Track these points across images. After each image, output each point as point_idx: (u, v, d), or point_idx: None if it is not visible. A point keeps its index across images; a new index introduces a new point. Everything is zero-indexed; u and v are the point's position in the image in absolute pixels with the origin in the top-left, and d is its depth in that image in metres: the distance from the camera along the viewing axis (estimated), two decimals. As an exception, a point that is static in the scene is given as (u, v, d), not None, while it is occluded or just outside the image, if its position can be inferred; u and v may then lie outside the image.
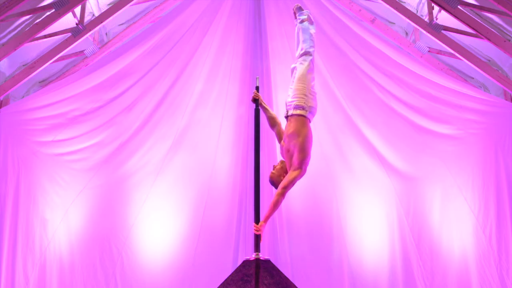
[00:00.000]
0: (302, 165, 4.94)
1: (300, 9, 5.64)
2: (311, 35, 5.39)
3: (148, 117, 7.55)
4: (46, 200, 7.16)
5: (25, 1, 6.41)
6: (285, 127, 5.12)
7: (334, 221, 7.53)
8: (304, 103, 5.03)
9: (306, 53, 5.28)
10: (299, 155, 4.92)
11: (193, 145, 7.67)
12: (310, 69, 5.21)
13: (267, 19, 7.57)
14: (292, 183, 4.91)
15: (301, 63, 5.25)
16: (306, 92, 5.09)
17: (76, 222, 7.27)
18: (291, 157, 4.98)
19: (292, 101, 5.10)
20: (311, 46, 5.32)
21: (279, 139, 5.28)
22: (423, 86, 7.29)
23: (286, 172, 5.04)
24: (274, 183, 5.13)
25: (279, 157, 7.26)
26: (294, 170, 4.92)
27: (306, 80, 5.14)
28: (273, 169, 5.14)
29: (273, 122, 5.33)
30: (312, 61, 5.27)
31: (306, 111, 5.03)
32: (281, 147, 5.15)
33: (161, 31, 7.35)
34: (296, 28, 5.51)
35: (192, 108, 7.67)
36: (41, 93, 7.22)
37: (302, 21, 5.47)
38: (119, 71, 7.37)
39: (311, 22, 5.48)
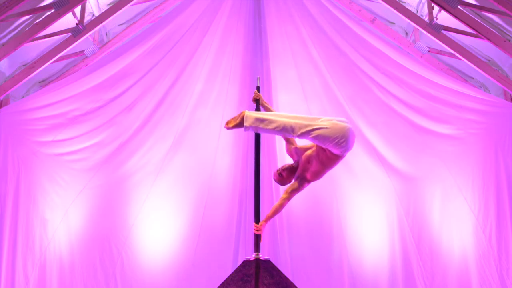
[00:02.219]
0: (312, 181, 5.05)
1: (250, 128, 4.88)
2: (269, 129, 4.75)
3: (148, 117, 7.55)
4: (46, 200, 7.16)
5: (25, 1, 6.41)
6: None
7: (334, 221, 7.53)
8: (341, 152, 4.90)
9: (303, 135, 4.77)
10: (315, 175, 5.01)
11: (193, 145, 7.66)
12: (315, 126, 4.72)
13: (267, 19, 7.56)
14: (299, 191, 5.03)
15: (308, 134, 4.71)
16: (338, 141, 4.83)
17: (76, 222, 7.27)
18: (307, 168, 5.01)
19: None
20: (290, 127, 4.69)
21: (285, 138, 5.27)
22: (423, 86, 7.28)
23: (294, 173, 5.10)
24: (280, 182, 5.21)
25: (279, 157, 7.33)
26: (305, 181, 5.02)
27: (330, 133, 4.85)
28: (281, 171, 5.13)
29: None
30: (311, 128, 4.70)
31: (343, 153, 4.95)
32: (300, 148, 5.14)
33: (161, 31, 7.33)
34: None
35: (192, 108, 7.67)
36: (41, 93, 7.21)
37: (257, 130, 4.88)
38: (119, 71, 7.36)
39: (258, 122, 4.76)
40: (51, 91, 7.19)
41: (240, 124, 4.73)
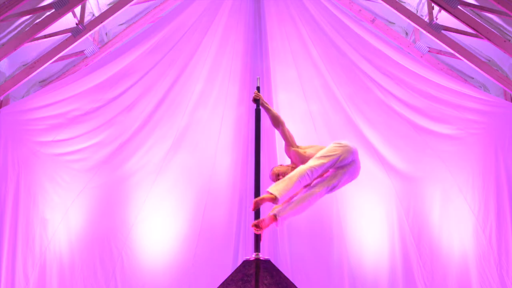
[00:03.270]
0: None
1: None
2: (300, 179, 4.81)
3: (148, 117, 7.54)
4: (46, 200, 7.15)
5: (25, 1, 6.40)
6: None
7: (334, 221, 7.52)
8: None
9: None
10: None
11: (193, 145, 7.66)
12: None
13: (267, 19, 7.55)
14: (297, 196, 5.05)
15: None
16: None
17: (76, 222, 7.26)
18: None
19: None
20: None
21: (285, 138, 5.26)
22: (423, 86, 7.28)
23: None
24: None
25: (279, 157, 7.31)
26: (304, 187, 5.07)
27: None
28: (280, 176, 5.14)
29: (276, 122, 5.29)
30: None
31: None
32: (301, 155, 5.16)
33: (161, 31, 7.33)
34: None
35: (192, 108, 7.67)
36: (41, 93, 7.21)
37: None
38: (119, 71, 7.35)
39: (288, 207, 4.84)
40: (51, 91, 7.18)
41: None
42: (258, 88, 5.42)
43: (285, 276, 4.80)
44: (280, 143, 7.39)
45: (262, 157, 5.35)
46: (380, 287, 7.21)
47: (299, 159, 5.10)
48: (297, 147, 5.25)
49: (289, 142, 5.24)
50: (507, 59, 7.10)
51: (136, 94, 7.50)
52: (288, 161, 5.38)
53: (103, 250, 7.22)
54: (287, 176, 4.70)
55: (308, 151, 5.13)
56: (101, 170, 7.42)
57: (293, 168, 5.10)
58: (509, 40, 6.81)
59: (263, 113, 5.25)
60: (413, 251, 7.22)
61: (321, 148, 5.03)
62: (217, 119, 7.70)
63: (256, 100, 5.29)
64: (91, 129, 7.38)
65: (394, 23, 7.88)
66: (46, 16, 6.77)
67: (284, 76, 7.63)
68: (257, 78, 5.68)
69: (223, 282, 4.70)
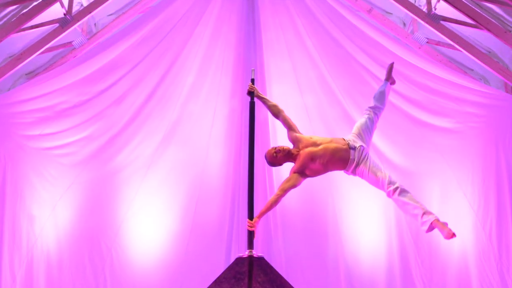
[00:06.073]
0: (310, 177, 5.10)
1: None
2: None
3: (138, 110, 7.42)
4: (34, 196, 7.02)
5: (11, -10, 6.28)
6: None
7: (330, 218, 7.41)
8: None
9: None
10: (315, 173, 5.08)
11: (184, 139, 7.55)
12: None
13: (261, 9, 7.46)
14: (295, 187, 5.04)
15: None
16: None
17: (65, 218, 7.14)
18: (307, 165, 5.01)
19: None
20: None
21: (287, 126, 5.21)
22: (422, 78, 7.16)
23: (288, 158, 5.09)
24: (271, 162, 5.18)
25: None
26: (303, 177, 5.06)
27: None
28: (277, 151, 5.08)
29: (275, 111, 5.26)
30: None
31: None
32: (304, 139, 5.08)
33: (151, 21, 7.22)
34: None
35: (184, 101, 7.55)
36: (28, 86, 7.06)
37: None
38: (108, 63, 7.23)
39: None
40: (38, 84, 7.05)
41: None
42: (252, 80, 5.39)
43: (279, 274, 4.79)
44: (273, 137, 7.31)
45: (256, 151, 5.28)
46: (377, 284, 7.11)
47: (302, 145, 5.09)
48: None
49: (291, 129, 5.20)
50: (508, 50, 7.00)
51: (126, 86, 7.38)
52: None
53: (92, 246, 7.11)
54: None
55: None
56: (90, 165, 7.30)
57: (295, 151, 5.06)
58: (510, 31, 6.73)
59: (257, 106, 5.15)
60: (411, 247, 7.13)
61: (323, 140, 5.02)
62: (209, 112, 7.59)
63: (251, 93, 5.25)
64: (80, 122, 7.26)
65: (391, 13, 7.77)
66: (33, 6, 6.64)
67: (278, 68, 7.56)
68: (252, 70, 5.64)
69: (215, 280, 4.67)
